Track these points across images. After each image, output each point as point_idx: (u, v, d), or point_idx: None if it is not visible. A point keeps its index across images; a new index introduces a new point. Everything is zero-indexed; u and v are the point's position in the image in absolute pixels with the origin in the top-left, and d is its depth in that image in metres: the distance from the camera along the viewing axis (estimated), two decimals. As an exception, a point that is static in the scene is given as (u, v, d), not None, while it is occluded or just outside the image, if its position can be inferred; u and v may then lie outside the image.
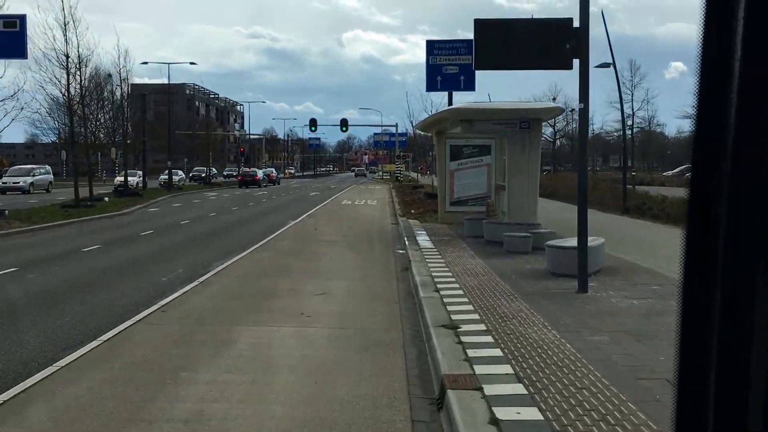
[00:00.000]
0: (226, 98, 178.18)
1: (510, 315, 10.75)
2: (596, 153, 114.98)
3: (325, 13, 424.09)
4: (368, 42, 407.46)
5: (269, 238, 24.28)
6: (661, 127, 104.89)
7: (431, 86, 39.15)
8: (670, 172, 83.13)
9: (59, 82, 37.18)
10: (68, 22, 36.96)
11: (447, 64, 37.14)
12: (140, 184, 58.35)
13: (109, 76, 70.15)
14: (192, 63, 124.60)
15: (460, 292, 12.85)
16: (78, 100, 39.57)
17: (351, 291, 14.37)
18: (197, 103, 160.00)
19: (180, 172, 75.19)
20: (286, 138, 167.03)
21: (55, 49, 36.64)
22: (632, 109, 77.31)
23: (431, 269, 15.70)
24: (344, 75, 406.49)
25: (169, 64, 71.57)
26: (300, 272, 16.85)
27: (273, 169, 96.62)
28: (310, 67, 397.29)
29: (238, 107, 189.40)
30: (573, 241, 14.68)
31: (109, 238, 24.40)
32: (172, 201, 50.35)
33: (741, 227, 1.17)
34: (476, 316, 10.70)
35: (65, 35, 36.84)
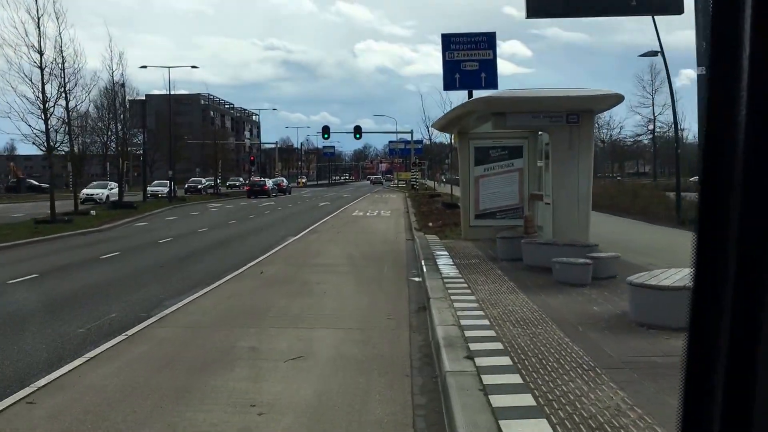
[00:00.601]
0: (242, 108, 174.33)
1: (611, 425, 6.08)
2: (613, 160, 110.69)
3: (339, 25, 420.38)
4: (381, 52, 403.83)
5: (255, 261, 19.72)
6: (685, 132, 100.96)
7: (449, 84, 34.42)
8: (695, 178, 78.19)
9: (30, 80, 32.88)
10: (42, 15, 32.84)
11: (466, 60, 32.47)
12: (110, 198, 55.19)
13: (122, 85, 66.41)
14: (193, 66, 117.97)
15: (507, 361, 8.19)
16: (56, 103, 34.97)
17: (341, 352, 9.72)
18: (212, 113, 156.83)
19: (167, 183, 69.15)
20: (299, 146, 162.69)
21: (26, 45, 32.56)
22: (653, 114, 78.71)
23: (459, 312, 11.12)
24: (359, 85, 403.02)
25: (169, 67, 66.65)
26: (276, 316, 12.30)
27: (283, 178, 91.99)
28: (325, 78, 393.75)
29: (254, 117, 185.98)
30: (670, 276, 10.05)
31: (55, 264, 19.97)
32: (167, 214, 46.01)
33: (752, 229, 1.17)
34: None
35: (39, 29, 32.76)
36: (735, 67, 1.16)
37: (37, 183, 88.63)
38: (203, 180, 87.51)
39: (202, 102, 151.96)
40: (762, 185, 1.15)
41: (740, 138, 1.15)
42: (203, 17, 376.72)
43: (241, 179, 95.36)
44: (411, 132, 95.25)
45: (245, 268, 18.41)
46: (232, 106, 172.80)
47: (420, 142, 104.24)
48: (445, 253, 20.20)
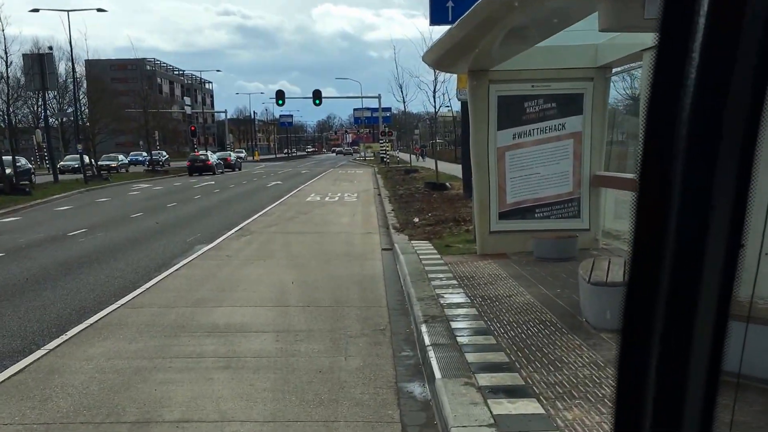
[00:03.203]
0: (193, 75, 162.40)
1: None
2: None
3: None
4: (340, 17, 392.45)
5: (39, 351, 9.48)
6: None
7: (438, 17, 24.10)
8: None
9: None
10: None
11: (461, -17, 22.48)
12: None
13: (50, 48, 56.18)
14: (100, 10, 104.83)
15: None
16: None
17: None
18: (159, 80, 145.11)
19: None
20: (252, 114, 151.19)
21: None
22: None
23: None
24: (319, 52, 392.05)
25: (68, 11, 54.36)
26: None
27: (231, 152, 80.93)
28: (284, 45, 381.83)
29: (208, 85, 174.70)
30: None
31: None
32: (66, 201, 35.53)
33: (688, 228, 1.07)
34: None
35: None
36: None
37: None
38: (121, 156, 76.64)
39: (148, 68, 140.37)
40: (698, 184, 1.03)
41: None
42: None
43: (144, 154, 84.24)
44: (379, 97, 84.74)
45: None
46: (182, 72, 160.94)
47: (388, 109, 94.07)
48: (461, 296, 10.34)
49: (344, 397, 6.70)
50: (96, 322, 10.11)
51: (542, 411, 5.66)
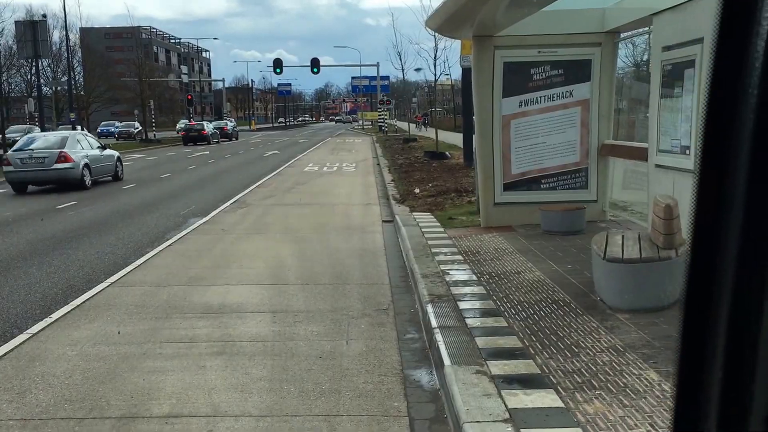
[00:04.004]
0: (190, 43, 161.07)
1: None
2: None
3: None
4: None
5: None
6: None
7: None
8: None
9: None
10: None
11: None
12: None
13: (44, 16, 55.52)
14: None
15: None
16: None
17: None
18: (155, 48, 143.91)
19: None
20: (249, 83, 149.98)
21: None
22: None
23: None
24: (316, 20, 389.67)
25: None
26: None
27: (228, 121, 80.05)
28: (281, 13, 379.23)
29: (205, 54, 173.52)
30: None
31: None
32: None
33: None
34: None
35: None
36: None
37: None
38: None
39: (144, 36, 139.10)
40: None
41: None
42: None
43: (118, 124, 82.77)
44: (377, 65, 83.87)
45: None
46: (178, 41, 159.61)
47: (387, 78, 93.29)
48: (467, 273, 9.88)
49: (346, 387, 6.23)
50: (83, 303, 9.61)
51: (561, 404, 5.20)
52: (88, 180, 25.76)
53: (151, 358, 7.15)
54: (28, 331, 8.34)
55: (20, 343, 7.83)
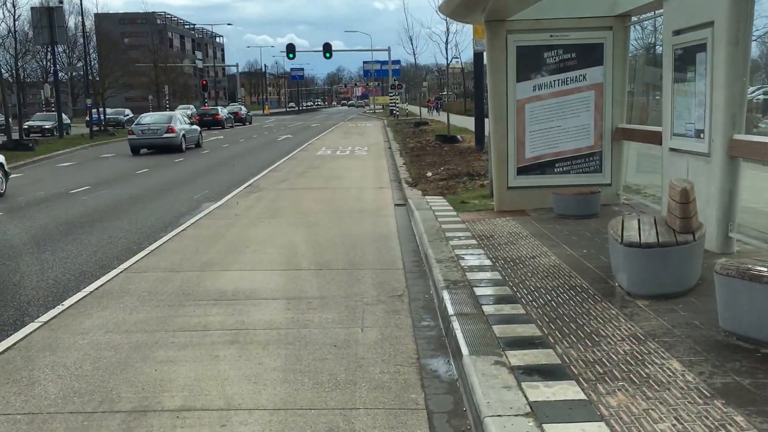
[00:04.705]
0: (203, 29, 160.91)
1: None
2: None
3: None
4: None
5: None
6: None
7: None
8: None
9: None
10: None
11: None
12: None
13: (60, 1, 55.59)
14: None
15: None
16: None
17: None
18: (170, 34, 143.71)
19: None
20: (263, 68, 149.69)
21: None
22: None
23: None
24: (326, 5, 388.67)
25: None
26: None
27: (242, 106, 79.77)
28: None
29: (218, 39, 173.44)
30: None
31: None
32: (71, 157, 35.24)
33: None
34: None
35: None
36: None
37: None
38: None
39: (159, 22, 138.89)
40: None
41: None
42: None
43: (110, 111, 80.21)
44: (388, 50, 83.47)
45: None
46: (192, 26, 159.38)
47: (398, 62, 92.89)
48: (482, 258, 9.80)
49: (362, 378, 6.11)
50: (96, 289, 9.52)
51: (583, 396, 5.06)
52: (183, 146, 36.19)
53: (164, 348, 7.04)
54: (40, 319, 8.24)
55: (31, 332, 7.74)
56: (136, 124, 36.93)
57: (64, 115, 53.14)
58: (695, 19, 9.57)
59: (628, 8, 13.11)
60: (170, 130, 35.25)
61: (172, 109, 73.39)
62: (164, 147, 34.88)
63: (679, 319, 6.69)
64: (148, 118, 37.55)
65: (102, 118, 53.72)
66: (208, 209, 16.39)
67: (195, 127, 39.93)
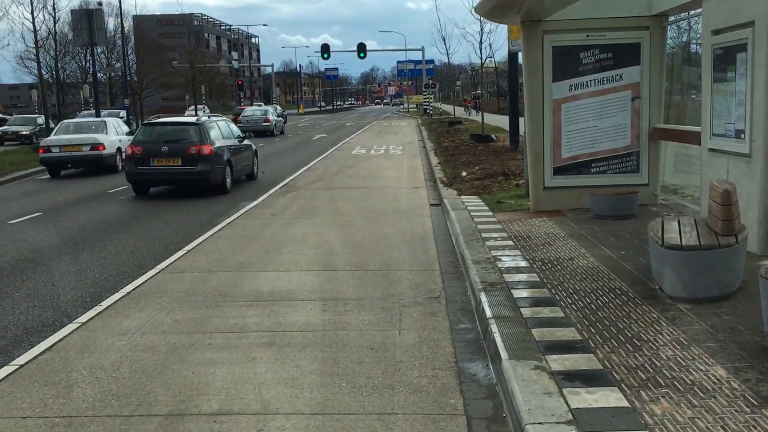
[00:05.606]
0: (239, 29, 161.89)
1: None
2: None
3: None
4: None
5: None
6: None
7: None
8: None
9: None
10: None
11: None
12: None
13: (99, 4, 56.13)
14: None
15: None
16: None
17: None
18: (206, 35, 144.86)
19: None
20: (298, 68, 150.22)
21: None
22: None
23: None
24: (360, 5, 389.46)
25: None
26: None
27: (269, 108, 79.98)
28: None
29: (254, 39, 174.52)
30: None
31: None
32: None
33: None
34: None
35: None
36: None
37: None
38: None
39: (195, 23, 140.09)
40: None
41: None
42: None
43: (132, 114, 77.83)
44: (422, 49, 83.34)
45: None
46: (228, 27, 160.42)
47: (431, 61, 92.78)
48: (519, 259, 9.73)
49: (400, 382, 6.05)
50: (133, 290, 9.55)
51: (626, 403, 4.97)
52: (275, 131, 51.30)
53: (201, 349, 7.03)
54: (78, 320, 8.27)
55: (69, 333, 7.76)
56: (243, 116, 50.89)
57: (43, 118, 47.22)
58: (735, 19, 9.41)
59: (665, 8, 12.97)
60: (267, 120, 50.29)
61: (211, 110, 73.87)
62: (263, 132, 47.20)
63: (723, 323, 6.56)
64: (251, 112, 53.89)
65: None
66: (244, 209, 16.42)
67: (281, 118, 56.43)
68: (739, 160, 9.46)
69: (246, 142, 22.38)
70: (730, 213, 7.52)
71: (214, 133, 19.87)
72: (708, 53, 10.25)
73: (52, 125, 45.99)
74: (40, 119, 46.86)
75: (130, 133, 27.67)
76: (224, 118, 23.78)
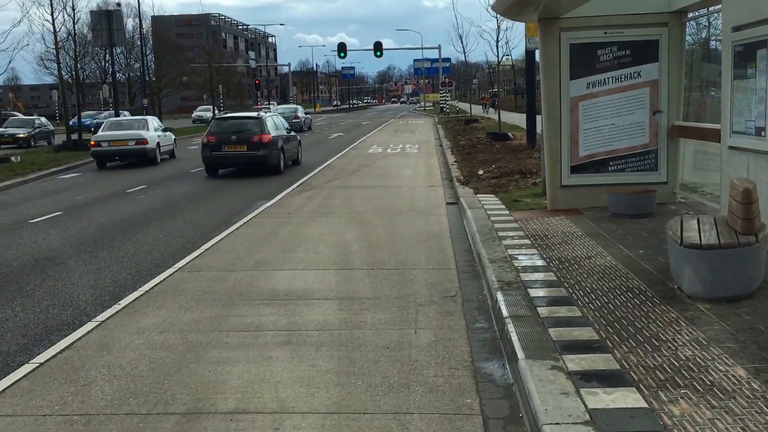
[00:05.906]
0: (256, 29, 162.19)
1: None
2: None
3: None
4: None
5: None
6: None
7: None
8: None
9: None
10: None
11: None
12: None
13: (118, 5, 56.44)
14: None
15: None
16: None
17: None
18: (224, 34, 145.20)
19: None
20: (314, 67, 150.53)
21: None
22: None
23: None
24: (376, 4, 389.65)
25: None
26: None
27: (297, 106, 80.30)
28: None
29: (270, 39, 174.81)
30: None
31: None
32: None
33: None
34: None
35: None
36: None
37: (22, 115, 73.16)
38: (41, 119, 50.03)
39: (213, 23, 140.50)
40: None
41: None
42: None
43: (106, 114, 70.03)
44: (439, 47, 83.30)
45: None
46: (246, 27, 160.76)
47: (448, 60, 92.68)
48: (536, 258, 9.67)
49: (416, 381, 6.04)
50: (151, 288, 9.58)
51: (644, 404, 4.93)
52: (305, 127, 55.67)
53: (218, 348, 7.04)
54: (97, 318, 8.30)
55: (88, 331, 7.80)
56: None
57: (43, 119, 47.86)
58: (756, 15, 9.34)
59: (684, 4, 12.88)
60: (297, 116, 54.45)
61: (229, 108, 74.24)
62: (295, 127, 41.34)
63: (743, 323, 6.52)
64: (282, 108, 58.31)
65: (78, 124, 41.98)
66: (261, 207, 16.45)
67: (308, 116, 61.86)
68: (760, 157, 9.38)
69: (293, 133, 27.60)
70: (751, 211, 7.47)
71: (270, 125, 24.72)
72: (728, 50, 10.17)
73: (51, 127, 46.74)
74: (39, 121, 46.83)
75: (165, 130, 32.54)
76: (277, 113, 31.88)
